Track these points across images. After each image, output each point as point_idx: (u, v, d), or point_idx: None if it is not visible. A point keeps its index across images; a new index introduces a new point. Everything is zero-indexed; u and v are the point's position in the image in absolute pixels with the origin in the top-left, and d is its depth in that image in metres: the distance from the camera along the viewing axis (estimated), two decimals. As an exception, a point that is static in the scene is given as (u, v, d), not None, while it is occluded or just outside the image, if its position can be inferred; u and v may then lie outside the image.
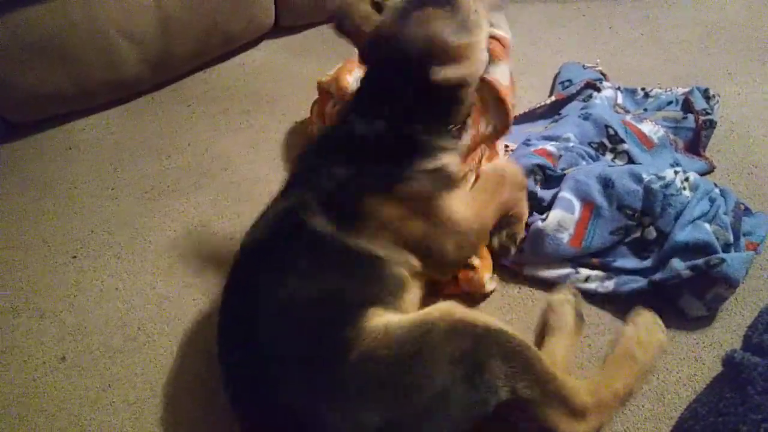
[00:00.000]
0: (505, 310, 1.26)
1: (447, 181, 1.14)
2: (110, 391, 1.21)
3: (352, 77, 1.54)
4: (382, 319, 0.96)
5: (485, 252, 1.29)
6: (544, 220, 1.29)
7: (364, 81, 1.23)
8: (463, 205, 1.15)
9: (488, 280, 1.26)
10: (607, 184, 1.30)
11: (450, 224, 1.12)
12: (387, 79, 1.15)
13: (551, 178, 1.38)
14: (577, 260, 1.29)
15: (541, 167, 1.37)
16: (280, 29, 2.23)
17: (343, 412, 0.87)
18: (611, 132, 1.46)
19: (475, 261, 1.25)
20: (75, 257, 1.46)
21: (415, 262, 1.11)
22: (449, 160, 1.15)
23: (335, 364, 0.90)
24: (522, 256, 1.30)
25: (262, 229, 1.12)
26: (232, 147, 1.75)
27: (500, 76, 1.32)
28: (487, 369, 0.90)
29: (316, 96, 1.70)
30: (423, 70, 1.09)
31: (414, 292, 1.12)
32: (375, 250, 1.06)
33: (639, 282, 1.21)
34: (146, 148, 1.77)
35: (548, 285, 1.28)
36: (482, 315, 0.98)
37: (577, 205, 1.30)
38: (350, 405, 0.87)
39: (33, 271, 1.44)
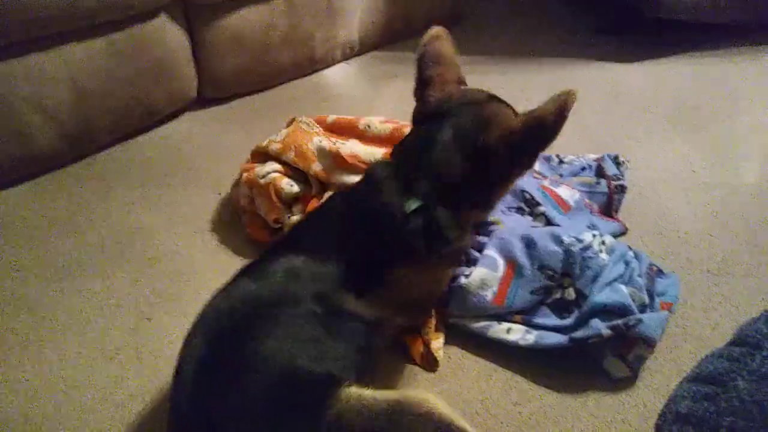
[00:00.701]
0: (434, 380, 1.24)
1: (464, 254, 1.28)
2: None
3: (313, 145, 1.55)
4: (356, 390, 0.95)
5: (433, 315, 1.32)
6: (467, 276, 1.29)
7: (411, 146, 1.21)
8: (448, 274, 1.28)
9: (438, 349, 1.27)
10: (529, 244, 1.33)
11: (443, 285, 1.28)
12: (446, 152, 1.14)
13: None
14: (500, 316, 1.30)
15: None
16: (203, 101, 2.22)
17: None
18: (527, 196, 1.51)
19: (430, 326, 1.29)
20: (-28, 347, 1.35)
21: (399, 321, 1.19)
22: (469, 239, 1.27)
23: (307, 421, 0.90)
24: (446, 309, 1.31)
25: (274, 281, 1.09)
26: (151, 222, 1.69)
27: None
28: None
29: (239, 165, 1.68)
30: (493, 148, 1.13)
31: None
32: (378, 317, 1.11)
33: (560, 338, 1.23)
34: (58, 225, 1.68)
35: (478, 346, 1.28)
36: (461, 419, 0.94)
37: (500, 263, 1.32)
38: None
39: None
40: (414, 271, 1.16)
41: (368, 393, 0.94)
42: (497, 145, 1.12)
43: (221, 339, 1.01)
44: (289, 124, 1.71)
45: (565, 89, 1.09)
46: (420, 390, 0.98)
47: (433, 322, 1.30)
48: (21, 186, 1.82)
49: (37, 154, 1.82)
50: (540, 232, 1.35)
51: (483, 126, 1.14)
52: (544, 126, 1.08)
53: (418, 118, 1.25)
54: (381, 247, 1.13)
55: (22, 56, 1.70)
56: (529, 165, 1.21)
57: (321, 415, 0.90)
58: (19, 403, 1.23)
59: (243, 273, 1.14)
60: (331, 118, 1.68)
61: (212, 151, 1.98)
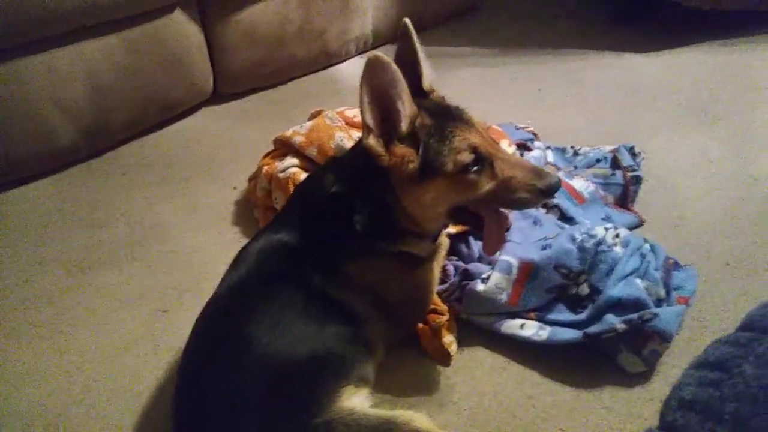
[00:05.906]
0: (448, 373, 1.25)
1: (413, 260, 1.22)
2: (28, 485, 1.11)
3: (334, 143, 1.57)
4: (350, 403, 1.00)
5: (445, 309, 1.31)
6: (484, 281, 1.29)
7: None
8: (421, 279, 1.25)
9: (450, 343, 1.27)
10: (544, 246, 1.32)
11: (396, 291, 1.22)
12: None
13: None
14: (513, 313, 1.30)
15: None
16: (219, 96, 2.24)
17: None
18: (540, 188, 1.50)
19: (441, 321, 1.28)
20: (-5, 339, 1.38)
21: (380, 324, 1.18)
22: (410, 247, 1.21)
23: (299, 423, 0.95)
24: (461, 308, 1.32)
25: (249, 264, 1.13)
26: (169, 215, 1.72)
27: None
28: None
29: (256, 160, 1.69)
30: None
31: (379, 356, 1.20)
32: (354, 306, 1.13)
33: (574, 333, 1.22)
34: (77, 219, 1.71)
35: (490, 340, 1.28)
36: None
37: (515, 266, 1.31)
38: None
39: (-53, 355, 1.34)
40: (363, 263, 1.15)
41: (360, 408, 0.99)
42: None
43: (212, 328, 1.09)
44: (312, 117, 1.72)
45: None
46: (410, 411, 1.00)
47: (444, 317, 1.30)
48: (43, 180, 1.86)
49: (57, 150, 1.85)
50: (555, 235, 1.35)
51: None
52: None
53: None
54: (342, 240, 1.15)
55: (40, 53, 1.74)
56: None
57: (309, 416, 0.96)
58: (39, 395, 1.26)
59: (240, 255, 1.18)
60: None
61: (228, 146, 2.00)
